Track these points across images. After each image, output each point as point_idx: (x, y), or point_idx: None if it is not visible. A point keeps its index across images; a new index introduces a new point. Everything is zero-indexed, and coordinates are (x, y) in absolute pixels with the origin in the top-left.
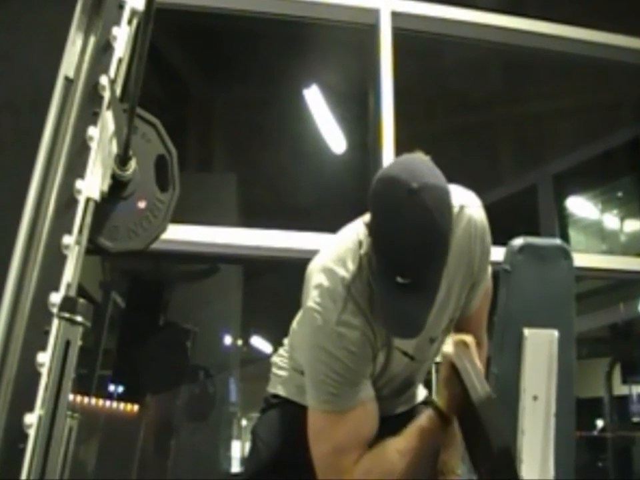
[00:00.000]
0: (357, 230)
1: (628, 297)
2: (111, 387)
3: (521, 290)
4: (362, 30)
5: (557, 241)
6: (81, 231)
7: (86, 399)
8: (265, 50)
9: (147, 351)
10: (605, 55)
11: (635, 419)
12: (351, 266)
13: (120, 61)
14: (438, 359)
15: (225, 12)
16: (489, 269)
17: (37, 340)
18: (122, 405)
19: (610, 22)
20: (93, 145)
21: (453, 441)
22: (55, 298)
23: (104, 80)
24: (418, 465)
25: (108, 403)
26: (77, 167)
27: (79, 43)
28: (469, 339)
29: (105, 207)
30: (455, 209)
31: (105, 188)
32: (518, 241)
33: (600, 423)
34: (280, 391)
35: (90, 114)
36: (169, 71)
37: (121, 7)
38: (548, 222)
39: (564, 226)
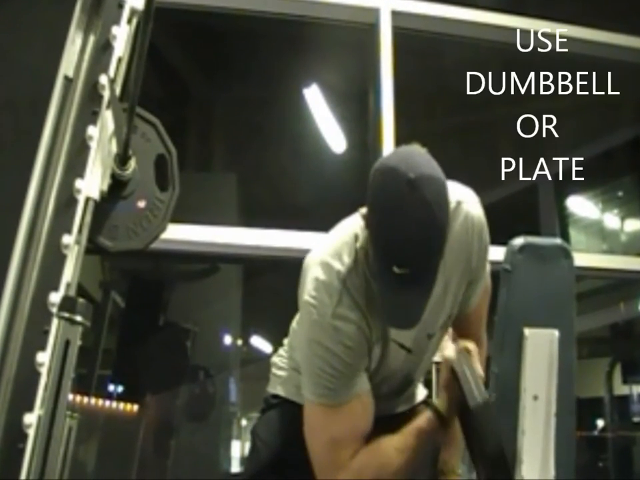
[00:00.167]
0: (353, 223)
1: (628, 297)
2: (111, 387)
3: (521, 290)
4: (362, 29)
5: (558, 241)
6: (80, 231)
7: (85, 399)
8: (264, 49)
9: (147, 350)
10: (605, 54)
11: (636, 419)
12: (347, 259)
13: (120, 60)
14: (436, 358)
15: (225, 11)
16: (488, 267)
17: (36, 340)
18: (122, 405)
19: (610, 21)
20: (93, 145)
21: (453, 440)
22: (55, 297)
23: (103, 79)
24: (414, 464)
25: (107, 402)
26: (76, 166)
27: (78, 42)
28: (471, 346)
29: (104, 206)
30: (452, 205)
31: (105, 187)
32: (518, 241)
33: (600, 423)
34: (280, 391)
35: (89, 113)
36: (168, 70)
37: (121, 6)
38: (548, 221)
39: (564, 225)
